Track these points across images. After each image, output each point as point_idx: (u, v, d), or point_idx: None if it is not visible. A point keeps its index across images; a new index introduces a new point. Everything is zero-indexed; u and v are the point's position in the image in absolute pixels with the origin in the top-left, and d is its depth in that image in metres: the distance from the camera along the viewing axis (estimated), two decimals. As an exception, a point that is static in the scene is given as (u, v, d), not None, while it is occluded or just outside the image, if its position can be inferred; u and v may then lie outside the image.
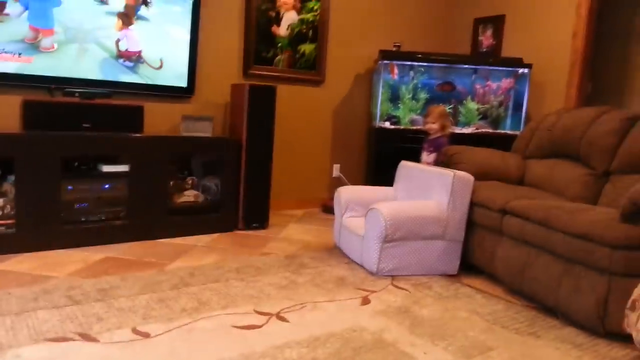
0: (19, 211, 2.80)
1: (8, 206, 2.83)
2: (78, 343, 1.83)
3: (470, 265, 2.86)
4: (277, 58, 4.12)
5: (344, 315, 2.20)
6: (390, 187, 3.26)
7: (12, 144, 2.79)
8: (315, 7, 4.25)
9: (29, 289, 2.30)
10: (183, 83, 3.61)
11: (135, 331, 1.95)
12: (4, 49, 2.94)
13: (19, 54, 2.99)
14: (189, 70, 3.61)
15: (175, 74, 3.57)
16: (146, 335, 1.93)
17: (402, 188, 3.17)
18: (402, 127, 4.29)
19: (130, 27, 3.33)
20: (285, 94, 3.95)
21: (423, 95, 4.39)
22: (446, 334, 2.07)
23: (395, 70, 4.35)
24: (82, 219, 3.05)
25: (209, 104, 3.80)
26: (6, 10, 2.91)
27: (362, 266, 2.84)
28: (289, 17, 4.13)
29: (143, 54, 3.41)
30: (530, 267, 2.41)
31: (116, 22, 3.28)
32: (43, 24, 3.04)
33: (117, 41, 3.30)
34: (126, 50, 3.34)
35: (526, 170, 3.29)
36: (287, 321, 2.11)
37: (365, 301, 2.37)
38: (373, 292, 2.50)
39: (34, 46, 3.03)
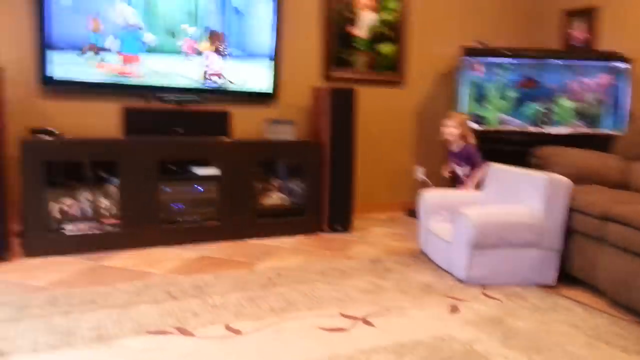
0: (123, 211, 3.02)
1: (113, 207, 3.06)
2: (176, 336, 1.94)
3: (569, 276, 2.69)
4: (357, 60, 4.12)
5: (432, 323, 2.16)
6: (479, 191, 3.15)
7: (116, 149, 3.02)
8: (395, 7, 4.20)
9: (132, 284, 2.47)
10: (267, 88, 3.71)
11: (228, 328, 2.03)
12: (103, 59, 3.18)
13: (120, 64, 3.22)
14: (273, 75, 3.70)
15: (259, 79, 3.67)
16: (237, 332, 2.00)
17: (491, 192, 3.05)
18: (490, 128, 4.13)
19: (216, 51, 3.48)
20: (365, 95, 3.95)
21: (512, 94, 4.20)
22: (543, 348, 1.96)
23: (481, 68, 4.19)
24: (178, 219, 3.23)
25: (291, 108, 3.88)
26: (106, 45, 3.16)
27: (449, 273, 2.77)
28: (368, 18, 4.12)
29: (224, 74, 3.55)
30: (637, 278, 2.22)
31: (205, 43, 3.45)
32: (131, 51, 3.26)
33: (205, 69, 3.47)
34: (211, 73, 3.51)
35: (630, 174, 3.05)
36: (373, 326, 2.10)
37: (454, 309, 2.31)
38: (462, 300, 2.42)
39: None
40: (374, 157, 4.24)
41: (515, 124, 4.14)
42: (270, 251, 3.14)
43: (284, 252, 3.14)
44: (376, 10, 4.14)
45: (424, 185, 4.40)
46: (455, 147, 3.37)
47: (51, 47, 3.01)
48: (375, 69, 4.21)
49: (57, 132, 2.98)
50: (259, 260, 2.95)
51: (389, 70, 4.26)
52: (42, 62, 3.01)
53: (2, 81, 2.66)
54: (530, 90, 4.20)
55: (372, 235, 3.60)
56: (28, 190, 2.79)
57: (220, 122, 3.43)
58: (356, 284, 2.58)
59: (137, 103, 3.32)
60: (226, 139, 3.37)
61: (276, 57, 3.70)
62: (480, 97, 4.20)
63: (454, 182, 3.63)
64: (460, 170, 3.42)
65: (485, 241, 2.59)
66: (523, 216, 2.63)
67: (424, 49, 4.37)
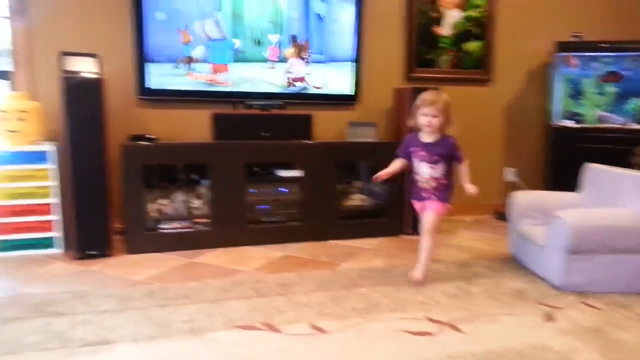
0: (212, 211, 3.17)
1: (203, 207, 3.21)
2: (263, 332, 2.00)
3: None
4: (440, 59, 4.03)
5: (524, 330, 2.05)
6: (574, 193, 2.96)
7: (206, 152, 3.17)
8: (482, 3, 4.06)
9: (222, 280, 2.58)
10: (349, 91, 3.73)
11: (312, 326, 2.06)
12: (195, 69, 3.35)
13: (207, 73, 3.38)
14: (354, 78, 3.71)
15: (341, 82, 3.70)
16: (322, 330, 2.02)
17: (589, 194, 2.85)
18: (587, 125, 3.87)
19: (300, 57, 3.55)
20: (450, 95, 3.82)
21: (610, 89, 3.90)
22: (651, 362, 1.80)
23: (576, 63, 3.94)
24: (263, 220, 3.33)
25: (373, 110, 3.86)
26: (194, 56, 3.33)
27: (543, 279, 2.62)
28: (452, 16, 4.01)
29: (307, 78, 3.60)
30: None
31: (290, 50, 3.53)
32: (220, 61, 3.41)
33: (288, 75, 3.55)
34: (294, 78, 3.58)
35: None
36: (461, 331, 2.03)
37: (549, 317, 2.18)
38: (557, 308, 2.28)
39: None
40: (459, 157, 4.11)
41: (615, 121, 3.84)
42: (352, 252, 3.14)
43: (366, 253, 3.13)
44: (462, 7, 4.02)
45: (514, 186, 4.20)
46: (430, 138, 2.49)
47: (148, 59, 3.22)
48: (461, 67, 4.09)
49: (153, 138, 3.18)
50: (341, 260, 2.97)
51: (475, 68, 4.13)
52: (140, 73, 3.24)
53: (105, 92, 2.88)
54: (614, 85, 3.88)
55: (459, 239, 3.49)
56: (128, 192, 3.00)
57: (304, 125, 3.49)
58: (442, 288, 2.51)
59: (226, 109, 3.46)
60: (307, 141, 3.43)
61: (358, 60, 3.70)
62: (575, 93, 3.95)
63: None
64: (429, 170, 2.50)
65: (583, 246, 2.42)
66: (626, 220, 2.43)
67: (513, 45, 4.18)
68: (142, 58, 3.22)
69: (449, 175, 2.56)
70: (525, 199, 2.95)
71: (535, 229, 2.79)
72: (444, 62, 4.04)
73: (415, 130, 2.55)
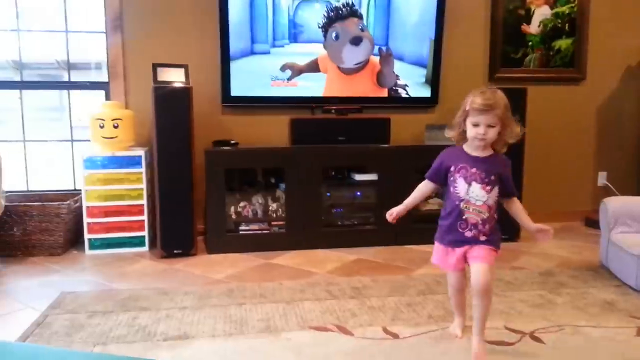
0: (288, 214, 3.24)
1: (280, 210, 3.29)
2: (336, 334, 2.01)
3: None
4: (528, 58, 3.84)
5: (613, 344, 1.90)
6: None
7: (283, 157, 3.25)
8: (572, -1, 3.83)
9: (297, 281, 2.63)
10: (427, 93, 3.66)
11: (385, 330, 2.04)
12: (276, 77, 3.44)
13: (287, 80, 3.46)
14: (433, 79, 3.64)
15: (420, 85, 3.64)
16: (395, 335, 2.00)
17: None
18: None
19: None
20: (537, 95, 3.65)
21: None
22: None
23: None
24: (338, 223, 3.35)
25: (453, 112, 3.74)
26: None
27: (637, 291, 2.41)
28: (541, 13, 3.81)
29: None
30: None
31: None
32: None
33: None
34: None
35: None
36: (543, 342, 1.92)
37: (643, 332, 2.01)
38: (653, 322, 2.09)
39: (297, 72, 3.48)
40: (548, 160, 3.90)
41: None
42: (428, 258, 3.04)
43: (444, 259, 3.04)
44: (551, 3, 3.82)
45: (607, 191, 3.90)
46: (480, 152, 1.83)
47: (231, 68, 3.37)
48: (550, 66, 3.88)
49: (235, 143, 3.31)
50: (416, 266, 2.91)
51: (566, 66, 3.89)
52: (225, 81, 3.38)
53: (192, 100, 3.04)
54: None
55: (544, 246, 3.30)
56: (210, 195, 3.14)
57: (381, 129, 3.47)
58: (523, 297, 2.39)
59: (303, 114, 3.52)
60: (383, 145, 3.40)
61: (438, 62, 3.63)
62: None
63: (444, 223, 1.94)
64: (483, 193, 1.79)
65: (686, 256, 2.20)
66: None
67: (607, 42, 3.90)
68: (227, 66, 3.36)
69: (497, 209, 1.84)
70: (618, 205, 2.74)
71: (629, 237, 2.57)
72: (531, 60, 3.85)
73: (457, 143, 1.90)
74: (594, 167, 4.04)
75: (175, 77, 3.11)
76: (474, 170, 1.81)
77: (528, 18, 3.81)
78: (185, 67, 3.15)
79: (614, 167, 4.02)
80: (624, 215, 2.69)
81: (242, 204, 3.29)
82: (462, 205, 1.81)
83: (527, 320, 2.12)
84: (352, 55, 3.52)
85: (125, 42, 3.40)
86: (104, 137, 3.16)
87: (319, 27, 3.46)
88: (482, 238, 1.80)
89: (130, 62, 3.41)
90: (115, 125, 3.16)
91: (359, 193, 3.38)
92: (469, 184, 1.81)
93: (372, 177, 3.36)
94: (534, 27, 3.82)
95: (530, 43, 3.83)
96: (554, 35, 3.85)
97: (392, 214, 2.04)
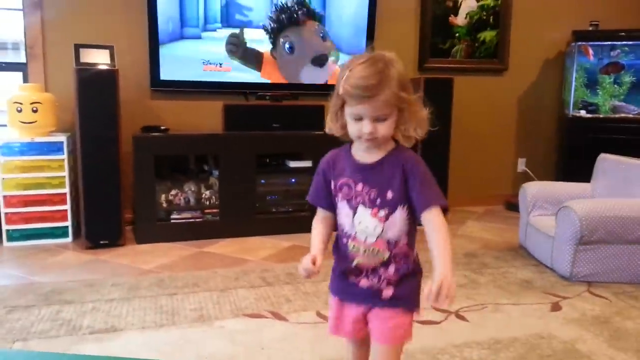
0: (222, 201, 3.19)
1: (213, 197, 3.24)
2: (270, 320, 2.02)
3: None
4: (455, 49, 3.99)
5: (530, 320, 2.04)
6: (586, 184, 2.92)
7: (217, 143, 3.20)
8: (497, -9, 4.01)
9: (231, 269, 2.61)
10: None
11: (319, 314, 2.07)
12: (208, 61, 3.36)
13: (220, 65, 3.39)
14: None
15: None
16: (327, 319, 2.03)
17: (601, 185, 2.81)
18: (601, 115, 3.81)
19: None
20: (463, 85, 3.81)
21: (628, 79, 3.83)
22: (658, 353, 1.78)
23: (591, 52, 3.87)
24: (273, 210, 3.35)
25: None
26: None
27: (552, 269, 2.60)
28: (468, 5, 3.96)
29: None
30: None
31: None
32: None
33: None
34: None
35: None
36: (467, 320, 2.03)
37: (556, 307, 2.17)
38: (565, 298, 2.26)
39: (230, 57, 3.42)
40: (472, 148, 4.08)
41: (630, 111, 3.77)
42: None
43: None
44: (478, -4, 3.98)
45: (526, 177, 4.16)
46: (370, 155, 1.15)
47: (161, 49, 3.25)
48: (475, 57, 4.04)
49: (165, 129, 3.21)
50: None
51: (490, 58, 4.08)
52: (154, 65, 3.25)
53: (119, 84, 2.91)
54: (615, 76, 3.79)
55: (468, 229, 3.48)
56: (139, 182, 3.03)
57: (315, 116, 3.48)
58: (449, 277, 2.50)
59: (237, 100, 3.47)
60: (318, 132, 3.43)
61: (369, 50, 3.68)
62: (590, 82, 3.88)
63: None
64: (374, 224, 1.14)
65: (593, 236, 2.39)
66: (637, 210, 2.40)
67: (528, 35, 4.12)
68: (156, 49, 3.24)
69: (413, 237, 1.18)
70: (536, 189, 2.92)
71: (545, 219, 2.76)
72: (458, 51, 4.00)
73: (342, 141, 1.21)
74: (515, 153, 4.28)
75: (99, 58, 2.96)
76: (359, 187, 1.14)
77: (455, 10, 3.94)
78: (111, 48, 3.00)
79: (532, 154, 4.28)
80: (541, 199, 2.87)
81: (173, 191, 3.21)
82: (349, 244, 1.17)
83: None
84: (312, 76, 3.51)
85: (45, 20, 3.18)
86: (22, 122, 2.96)
87: (265, 31, 3.40)
88: (387, 293, 1.16)
89: (50, 42, 3.20)
90: (35, 109, 2.97)
91: (293, 180, 3.39)
92: (354, 210, 1.15)
93: (307, 164, 3.37)
94: (460, 19, 3.96)
95: (457, 34, 3.98)
96: (479, 27, 4.01)
97: (312, 271, 1.17)
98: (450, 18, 3.94)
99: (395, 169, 1.13)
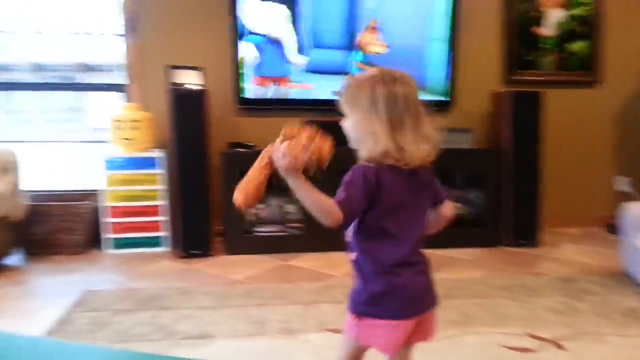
0: (306, 216, 3.23)
1: (297, 212, 3.29)
2: (355, 338, 2.00)
3: None
4: (542, 60, 3.81)
5: (636, 353, 1.87)
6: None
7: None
8: (587, 0, 3.79)
9: (315, 283, 2.62)
10: (442, 96, 3.63)
11: (405, 335, 2.03)
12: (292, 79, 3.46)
13: (301, 82, 3.47)
14: (448, 82, 3.62)
15: (434, 87, 3.62)
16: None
17: None
18: None
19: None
20: (553, 98, 3.61)
21: None
22: None
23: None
24: (355, 226, 3.34)
25: (468, 115, 3.73)
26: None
27: (661, 298, 2.38)
28: (555, 15, 3.78)
29: None
30: None
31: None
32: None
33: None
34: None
35: None
36: (565, 349, 1.90)
37: (668, 340, 1.97)
38: (679, 330, 2.06)
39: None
40: (565, 165, 3.85)
41: None
42: (446, 262, 3.05)
43: (462, 264, 3.03)
44: (565, 6, 3.79)
45: (627, 196, 3.85)
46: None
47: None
48: (565, 69, 3.84)
49: (251, 145, 3.32)
50: (435, 270, 2.88)
51: (581, 69, 3.86)
52: (239, 84, 3.38)
53: (208, 102, 3.06)
54: None
55: (564, 252, 3.27)
56: (227, 196, 3.15)
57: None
58: (546, 303, 2.36)
59: (319, 116, 3.52)
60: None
61: (453, 64, 3.61)
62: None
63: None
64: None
65: None
66: None
67: (625, 44, 3.85)
68: (239, 69, 3.37)
69: (361, 247, 1.27)
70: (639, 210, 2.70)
71: (653, 243, 2.53)
72: (546, 64, 3.82)
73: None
74: (613, 171, 3.98)
75: (191, 79, 3.13)
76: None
77: (541, 20, 3.77)
78: (201, 69, 3.17)
79: (634, 171, 3.96)
80: (647, 222, 2.64)
81: (259, 205, 3.30)
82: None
83: (550, 326, 2.10)
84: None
85: (142, 44, 3.42)
86: (123, 139, 3.19)
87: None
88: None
89: (147, 64, 3.43)
90: (134, 127, 3.19)
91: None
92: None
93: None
94: (547, 29, 3.78)
95: (544, 46, 3.79)
96: (568, 37, 3.81)
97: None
98: (534, 28, 3.78)
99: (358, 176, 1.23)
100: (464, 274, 2.81)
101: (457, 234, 3.38)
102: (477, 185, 3.51)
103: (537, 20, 3.78)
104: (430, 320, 1.33)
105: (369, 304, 1.22)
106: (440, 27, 3.56)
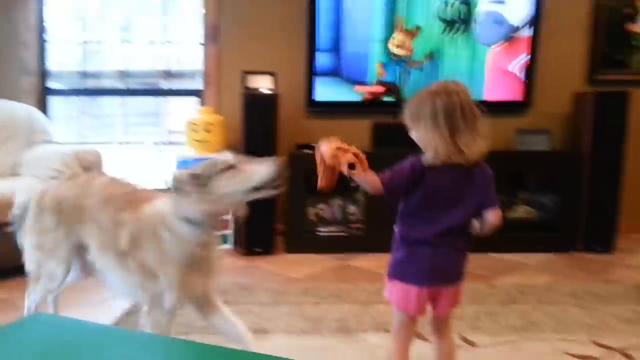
0: (367, 217, 3.25)
1: (358, 212, 3.31)
2: (410, 338, 1.99)
3: None
4: (633, 58, 3.55)
5: None
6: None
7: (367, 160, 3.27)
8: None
9: (373, 284, 2.63)
10: (519, 96, 3.50)
11: (463, 338, 1.99)
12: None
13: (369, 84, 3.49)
14: (526, 82, 3.48)
15: (512, 88, 3.49)
16: (472, 344, 1.95)
17: None
18: None
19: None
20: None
21: None
22: None
23: None
24: (418, 228, 3.31)
25: (547, 116, 3.56)
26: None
27: None
28: (651, 12, 3.52)
29: None
30: None
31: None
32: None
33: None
34: None
35: None
36: (633, 359, 1.79)
37: None
38: None
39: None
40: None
41: None
42: (513, 267, 2.95)
43: (529, 268, 2.91)
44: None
45: None
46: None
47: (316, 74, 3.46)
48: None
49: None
50: (500, 274, 2.81)
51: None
52: (310, 87, 3.47)
53: (279, 106, 3.16)
54: None
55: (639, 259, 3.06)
56: (291, 197, 3.23)
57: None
58: (616, 311, 2.23)
59: (386, 119, 3.52)
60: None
61: (532, 63, 3.46)
62: None
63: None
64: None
65: None
66: None
67: None
68: (312, 73, 3.45)
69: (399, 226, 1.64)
70: None
71: None
72: (636, 62, 3.56)
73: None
74: None
75: (263, 84, 3.25)
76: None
77: (633, 16, 3.52)
78: (273, 74, 3.28)
79: None
80: None
81: (321, 205, 3.36)
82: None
83: (618, 335, 1.98)
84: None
85: (220, 51, 3.59)
86: (197, 141, 3.37)
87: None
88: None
89: (223, 70, 3.59)
90: (208, 130, 3.35)
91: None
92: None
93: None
94: (641, 26, 3.53)
95: (635, 43, 3.54)
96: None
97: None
98: (627, 25, 3.53)
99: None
100: (532, 279, 2.71)
101: (528, 238, 3.26)
102: (552, 189, 3.35)
103: (630, 16, 3.53)
104: (453, 293, 1.52)
105: (395, 268, 1.54)
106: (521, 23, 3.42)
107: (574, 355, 1.82)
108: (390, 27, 3.42)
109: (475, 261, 3.05)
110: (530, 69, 3.46)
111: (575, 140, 3.37)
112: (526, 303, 2.34)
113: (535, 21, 3.41)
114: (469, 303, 2.35)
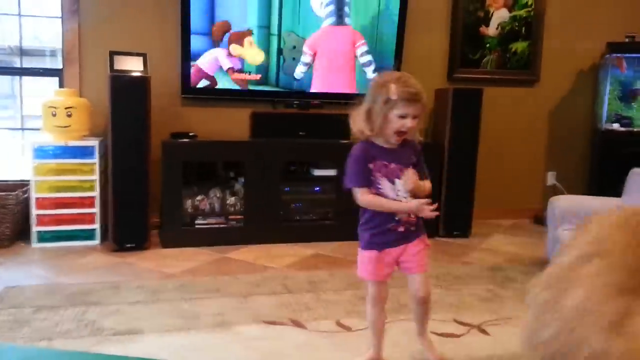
0: (247, 208, 3.22)
1: (238, 204, 3.27)
2: (289, 327, 2.02)
3: None
4: (485, 59, 3.94)
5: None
6: (617, 199, 2.83)
7: (243, 150, 3.23)
8: (529, 2, 3.95)
9: (253, 276, 2.62)
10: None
11: (338, 323, 2.07)
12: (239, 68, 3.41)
13: (249, 73, 3.43)
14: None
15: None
16: (348, 328, 2.03)
17: (632, 200, 2.72)
18: (635, 129, 3.70)
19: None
20: (493, 96, 3.75)
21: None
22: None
23: (625, 65, 3.78)
24: (297, 218, 3.36)
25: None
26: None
27: (579, 285, 2.53)
28: (499, 16, 3.91)
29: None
30: None
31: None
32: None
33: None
34: None
35: None
36: (489, 334, 1.99)
37: (583, 324, 2.10)
38: (593, 315, 2.20)
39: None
40: (499, 160, 4.01)
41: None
42: (385, 253, 3.12)
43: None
44: (509, 7, 3.92)
45: (555, 190, 4.06)
46: (394, 143, 1.70)
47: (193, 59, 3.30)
48: (506, 68, 3.98)
49: (193, 135, 3.26)
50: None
51: (521, 69, 4.01)
52: (186, 73, 3.29)
53: (150, 90, 2.97)
54: None
55: (493, 242, 3.41)
56: (167, 188, 3.09)
57: (341, 125, 3.47)
58: (472, 291, 2.46)
59: (265, 108, 3.50)
60: (343, 141, 3.43)
61: (398, 60, 3.66)
62: (625, 96, 3.78)
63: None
64: (402, 187, 1.69)
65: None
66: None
67: (561, 46, 4.03)
68: (187, 57, 3.28)
69: None
70: (565, 203, 2.85)
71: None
72: (489, 62, 3.95)
73: (363, 138, 1.70)
74: (545, 167, 4.18)
75: (133, 65, 3.03)
76: (393, 165, 1.67)
77: (487, 20, 3.90)
78: (144, 55, 3.07)
79: (563, 167, 4.18)
80: (571, 214, 2.79)
81: (199, 197, 3.25)
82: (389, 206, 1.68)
83: (475, 313, 2.19)
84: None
85: (82, 28, 3.28)
86: (56, 126, 3.06)
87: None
88: (413, 229, 1.71)
89: (86, 48, 3.29)
90: (69, 114, 3.06)
91: (318, 188, 3.39)
92: (393, 182, 1.67)
93: (331, 172, 3.37)
94: (492, 29, 3.92)
95: (488, 45, 3.93)
96: (510, 37, 3.95)
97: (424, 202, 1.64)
98: (481, 28, 3.90)
99: (410, 152, 1.75)
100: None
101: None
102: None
103: (483, 20, 3.89)
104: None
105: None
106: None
107: (437, 334, 1.98)
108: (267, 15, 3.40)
109: (351, 249, 3.18)
110: (398, 67, 3.66)
111: (435, 132, 3.65)
112: (397, 286, 2.47)
113: (400, 21, 3.59)
114: (345, 289, 2.44)
